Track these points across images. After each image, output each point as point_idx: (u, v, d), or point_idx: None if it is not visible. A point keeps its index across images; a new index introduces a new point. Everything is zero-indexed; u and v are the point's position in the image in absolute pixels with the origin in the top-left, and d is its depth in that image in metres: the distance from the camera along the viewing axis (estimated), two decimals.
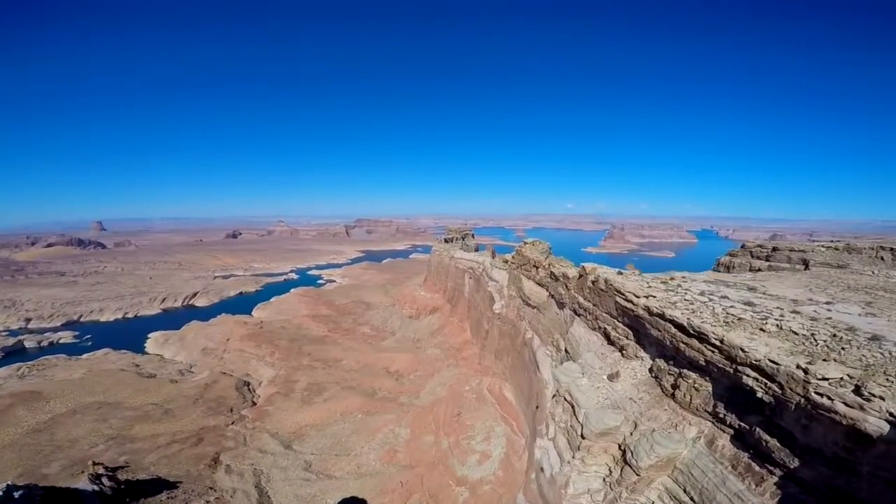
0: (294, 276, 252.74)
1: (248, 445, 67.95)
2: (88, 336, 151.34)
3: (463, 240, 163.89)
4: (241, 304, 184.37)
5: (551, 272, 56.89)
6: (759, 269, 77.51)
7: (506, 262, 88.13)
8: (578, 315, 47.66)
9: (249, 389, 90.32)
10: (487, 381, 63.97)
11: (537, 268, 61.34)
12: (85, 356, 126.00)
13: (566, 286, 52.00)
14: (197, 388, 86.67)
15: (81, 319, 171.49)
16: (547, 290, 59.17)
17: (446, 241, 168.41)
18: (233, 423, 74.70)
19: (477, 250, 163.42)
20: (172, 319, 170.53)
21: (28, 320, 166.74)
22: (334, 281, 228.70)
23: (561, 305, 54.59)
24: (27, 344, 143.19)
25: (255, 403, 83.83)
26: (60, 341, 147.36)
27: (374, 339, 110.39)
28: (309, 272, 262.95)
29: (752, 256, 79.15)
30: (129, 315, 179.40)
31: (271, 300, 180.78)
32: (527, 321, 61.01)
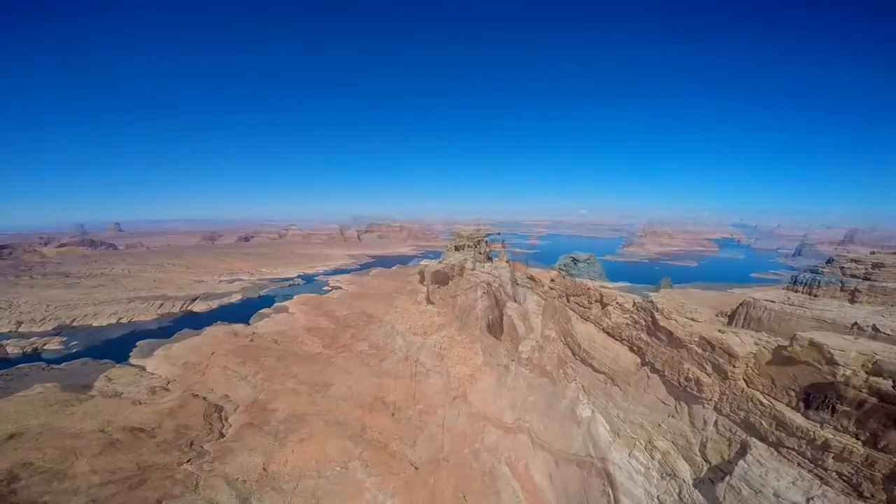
0: (300, 281, 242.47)
1: (197, 493, 54.64)
2: (75, 342, 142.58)
3: (476, 247, 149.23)
4: (242, 311, 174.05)
5: (654, 324, 34.94)
6: (857, 290, 60.57)
7: (532, 280, 71.88)
8: (778, 448, 23.81)
9: (221, 417, 77.35)
10: (507, 449, 47.97)
11: (604, 304, 41.82)
12: (62, 365, 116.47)
13: (721, 371, 28.74)
14: (159, 414, 74.20)
15: (74, 324, 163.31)
16: (640, 356, 38.13)
17: (456, 248, 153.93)
18: (188, 462, 61.59)
19: (490, 259, 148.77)
20: (167, 326, 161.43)
21: (19, 323, 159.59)
22: (340, 288, 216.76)
23: (689, 398, 31.62)
24: (10, 350, 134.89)
25: (222, 435, 70.71)
26: (45, 347, 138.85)
27: (373, 359, 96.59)
28: (316, 277, 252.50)
29: (845, 274, 62.26)
30: (124, 320, 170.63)
31: (272, 307, 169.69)
32: (579, 384, 42.61)
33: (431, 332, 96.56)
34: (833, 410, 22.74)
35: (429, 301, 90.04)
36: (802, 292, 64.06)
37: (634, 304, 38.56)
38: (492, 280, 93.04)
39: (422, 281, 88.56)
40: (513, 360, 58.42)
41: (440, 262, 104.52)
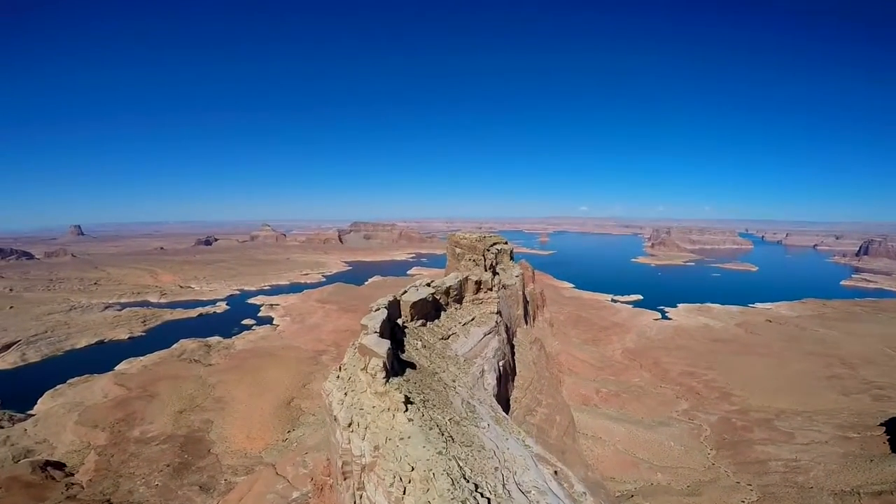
0: (225, 305, 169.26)
1: None
2: None
3: (483, 259, 76.60)
4: (80, 364, 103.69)
5: None
6: None
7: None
8: None
9: None
10: None
11: None
12: None
13: None
14: None
15: None
16: None
17: (456, 259, 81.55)
18: None
19: (496, 273, 76.47)
20: None
21: None
22: (267, 322, 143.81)
23: None
24: None
25: None
26: None
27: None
28: (251, 299, 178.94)
29: None
30: None
31: (82, 378, 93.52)
32: None
33: (390, 447, 24.79)
34: None
35: (389, 370, 23.18)
36: None
37: None
38: (503, 305, 58.53)
39: (387, 326, 24.73)
40: None
41: (428, 285, 41.60)
